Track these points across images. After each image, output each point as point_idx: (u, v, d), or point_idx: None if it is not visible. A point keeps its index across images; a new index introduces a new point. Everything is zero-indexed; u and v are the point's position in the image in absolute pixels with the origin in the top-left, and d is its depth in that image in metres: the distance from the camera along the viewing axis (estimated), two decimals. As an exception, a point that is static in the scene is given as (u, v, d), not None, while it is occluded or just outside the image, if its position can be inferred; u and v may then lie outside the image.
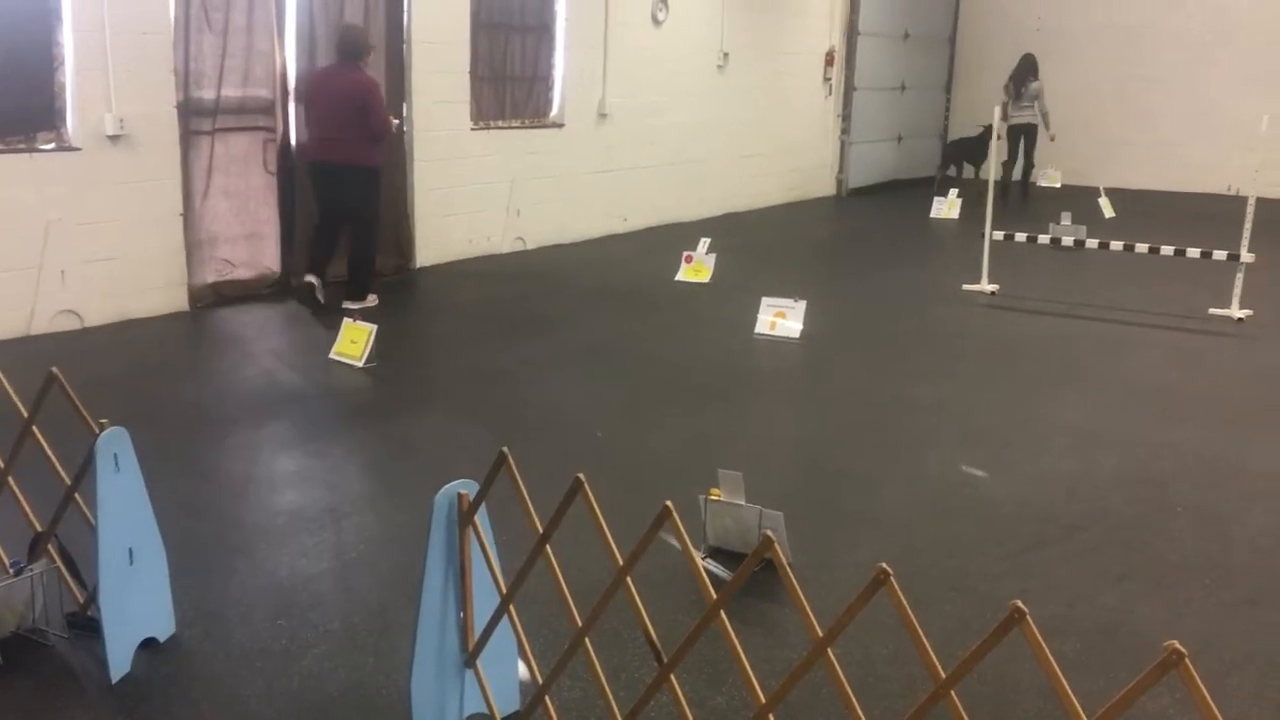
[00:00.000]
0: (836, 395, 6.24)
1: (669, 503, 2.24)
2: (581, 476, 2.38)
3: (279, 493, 4.59)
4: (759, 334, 7.30)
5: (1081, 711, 1.83)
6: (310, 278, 7.73)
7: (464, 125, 9.58)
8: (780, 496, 4.28)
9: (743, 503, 3.90)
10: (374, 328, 6.47)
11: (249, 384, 6.11)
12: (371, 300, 7.95)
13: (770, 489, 4.39)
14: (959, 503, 4.62)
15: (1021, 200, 14.24)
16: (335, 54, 7.76)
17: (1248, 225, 7.81)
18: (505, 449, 2.55)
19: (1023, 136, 14.43)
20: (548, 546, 2.53)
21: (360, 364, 6.37)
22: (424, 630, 2.68)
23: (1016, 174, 14.69)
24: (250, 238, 8.19)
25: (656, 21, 11.57)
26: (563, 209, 10.75)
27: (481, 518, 2.71)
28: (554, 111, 10.69)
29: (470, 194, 9.74)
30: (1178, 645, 1.69)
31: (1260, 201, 7.97)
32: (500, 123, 10.06)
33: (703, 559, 3.98)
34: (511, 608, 2.67)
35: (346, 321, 6.61)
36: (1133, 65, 15.67)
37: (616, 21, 10.99)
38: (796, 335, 7.23)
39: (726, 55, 12.67)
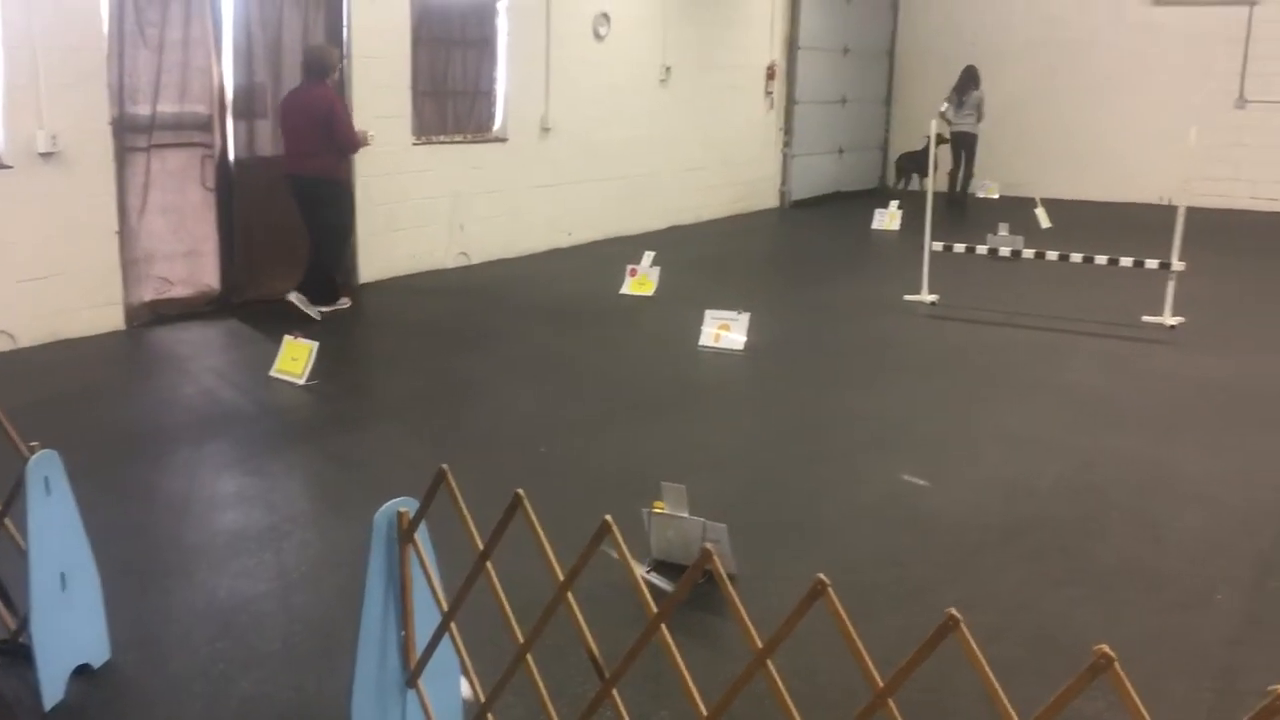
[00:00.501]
0: (780, 406, 6.28)
1: (608, 517, 2.24)
2: (521, 492, 2.38)
3: (218, 513, 4.52)
4: (703, 346, 7.33)
5: (1016, 716, 1.85)
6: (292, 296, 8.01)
7: (406, 140, 9.54)
8: (725, 508, 4.29)
9: (686, 515, 3.91)
10: (315, 344, 6.41)
11: (187, 403, 6.02)
12: (326, 309, 8.11)
13: (715, 500, 4.40)
14: (901, 511, 4.67)
15: (960, 211, 14.45)
16: (302, 72, 8.00)
17: (1178, 234, 7.99)
18: (445, 466, 2.53)
19: (963, 146, 14.71)
20: (489, 563, 2.51)
21: (302, 381, 6.31)
22: (364, 650, 2.65)
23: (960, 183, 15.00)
24: (189, 255, 8.08)
25: (598, 36, 11.61)
26: (507, 224, 10.74)
27: (422, 535, 2.69)
28: (496, 126, 10.68)
29: (413, 209, 9.69)
30: (1107, 649, 1.72)
31: (1190, 210, 8.16)
32: (443, 137, 10.03)
33: (646, 572, 3.98)
34: (453, 626, 2.65)
35: (287, 338, 6.54)
36: (1067, 78, 15.98)
37: (558, 36, 11.01)
38: (740, 347, 7.27)
39: (669, 69, 12.74)
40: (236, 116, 8.22)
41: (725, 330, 7.38)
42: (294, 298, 7.92)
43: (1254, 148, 15.01)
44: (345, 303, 8.46)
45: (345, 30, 8.86)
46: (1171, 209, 8.23)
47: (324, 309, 8.12)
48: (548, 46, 10.93)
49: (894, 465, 5.20)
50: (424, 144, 9.76)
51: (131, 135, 7.55)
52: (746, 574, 3.96)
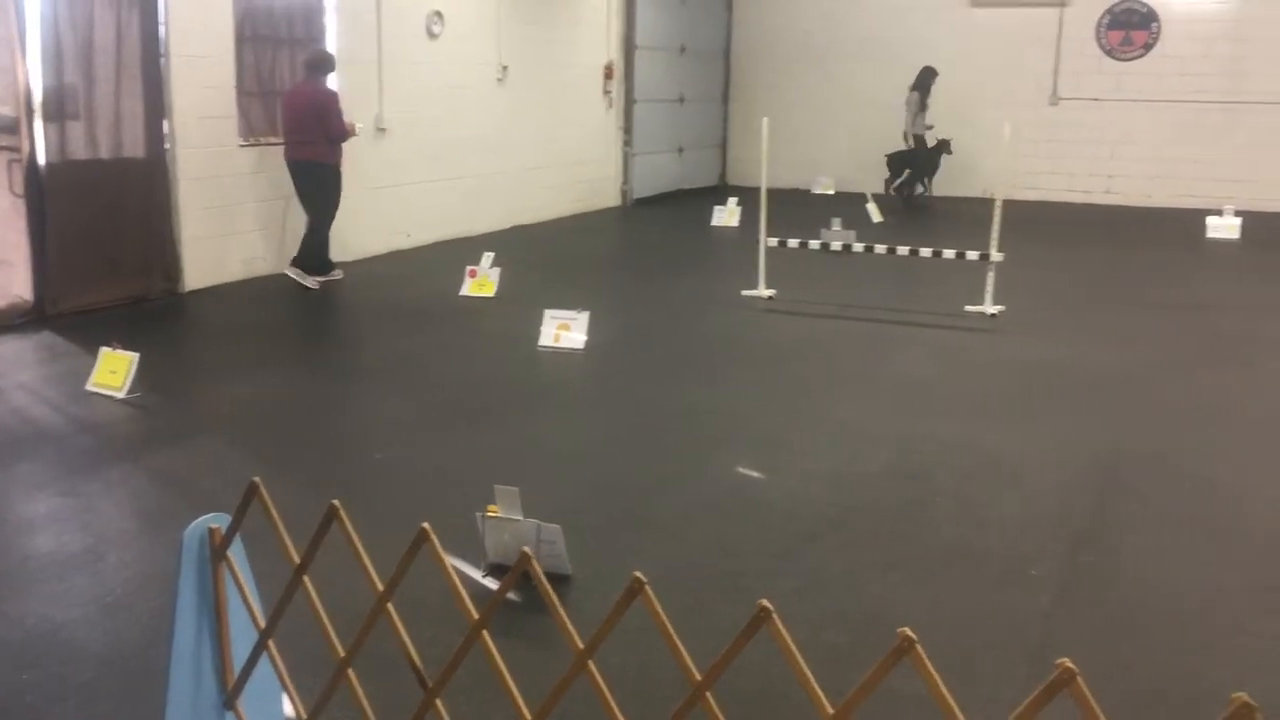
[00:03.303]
0: (619, 404, 6.31)
1: (426, 525, 2.21)
2: (336, 503, 2.32)
3: (27, 537, 4.28)
4: (543, 346, 7.31)
5: (828, 703, 1.90)
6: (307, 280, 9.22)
7: (232, 141, 9.22)
8: (564, 508, 4.29)
9: (519, 518, 3.89)
10: (135, 356, 6.13)
11: (-5, 422, 5.69)
12: (322, 279, 9.26)
13: (554, 501, 4.39)
14: (737, 505, 4.74)
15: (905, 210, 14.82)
16: (304, 69, 9.20)
17: (995, 226, 8.34)
18: (256, 479, 2.45)
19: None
20: (306, 578, 2.44)
21: (121, 395, 6.03)
22: (176, 674, 2.55)
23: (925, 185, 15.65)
24: (-4, 265, 7.65)
25: (432, 34, 11.45)
26: (343, 226, 10.44)
27: (237, 552, 2.60)
28: (329, 126, 10.40)
29: (242, 213, 9.38)
30: (908, 632, 1.78)
31: (1010, 203, 8.52)
32: (273, 139, 9.70)
33: (483, 576, 3.94)
34: (271, 643, 2.57)
35: (104, 350, 6.24)
36: (893, 77, 16.48)
37: (390, 35, 10.81)
38: (581, 346, 7.27)
39: (506, 68, 12.66)
40: (46, 119, 7.79)
41: (565, 330, 7.37)
42: (291, 271, 9.15)
43: (1068, 142, 15.81)
44: (338, 274, 9.50)
45: (163, 29, 8.50)
46: (993, 202, 8.58)
47: (320, 279, 9.24)
48: (380, 45, 10.72)
49: (731, 459, 5.28)
50: (252, 145, 9.45)
51: (-72, 139, 7.10)
52: (584, 574, 3.96)
